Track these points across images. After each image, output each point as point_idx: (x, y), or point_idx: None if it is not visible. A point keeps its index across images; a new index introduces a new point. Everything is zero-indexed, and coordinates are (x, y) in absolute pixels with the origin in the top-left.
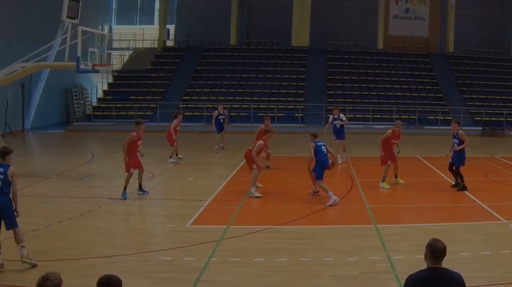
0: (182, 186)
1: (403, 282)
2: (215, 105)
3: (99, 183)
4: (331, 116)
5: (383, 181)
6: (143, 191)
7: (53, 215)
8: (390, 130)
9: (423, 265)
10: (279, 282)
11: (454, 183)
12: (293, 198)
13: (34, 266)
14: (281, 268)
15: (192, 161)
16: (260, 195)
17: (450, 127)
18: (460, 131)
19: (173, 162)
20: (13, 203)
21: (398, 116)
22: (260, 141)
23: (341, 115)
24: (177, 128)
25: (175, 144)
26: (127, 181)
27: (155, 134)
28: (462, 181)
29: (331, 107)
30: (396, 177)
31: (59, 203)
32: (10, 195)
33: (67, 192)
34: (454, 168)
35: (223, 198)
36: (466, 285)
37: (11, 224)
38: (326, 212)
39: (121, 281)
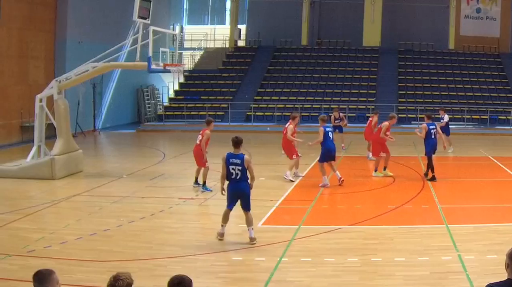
0: (253, 186)
1: (474, 283)
2: (286, 105)
3: (170, 183)
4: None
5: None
6: (197, 184)
7: (124, 215)
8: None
9: (494, 265)
10: (350, 282)
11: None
12: (364, 197)
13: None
14: (352, 268)
15: (263, 161)
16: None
17: None
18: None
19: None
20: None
21: (469, 116)
22: (291, 126)
23: (446, 116)
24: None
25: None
26: (206, 175)
27: (226, 134)
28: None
29: (403, 107)
30: (385, 168)
31: (130, 203)
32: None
33: (138, 192)
34: None
35: (294, 198)
36: None
37: (248, 206)
38: (397, 212)
39: (191, 281)
